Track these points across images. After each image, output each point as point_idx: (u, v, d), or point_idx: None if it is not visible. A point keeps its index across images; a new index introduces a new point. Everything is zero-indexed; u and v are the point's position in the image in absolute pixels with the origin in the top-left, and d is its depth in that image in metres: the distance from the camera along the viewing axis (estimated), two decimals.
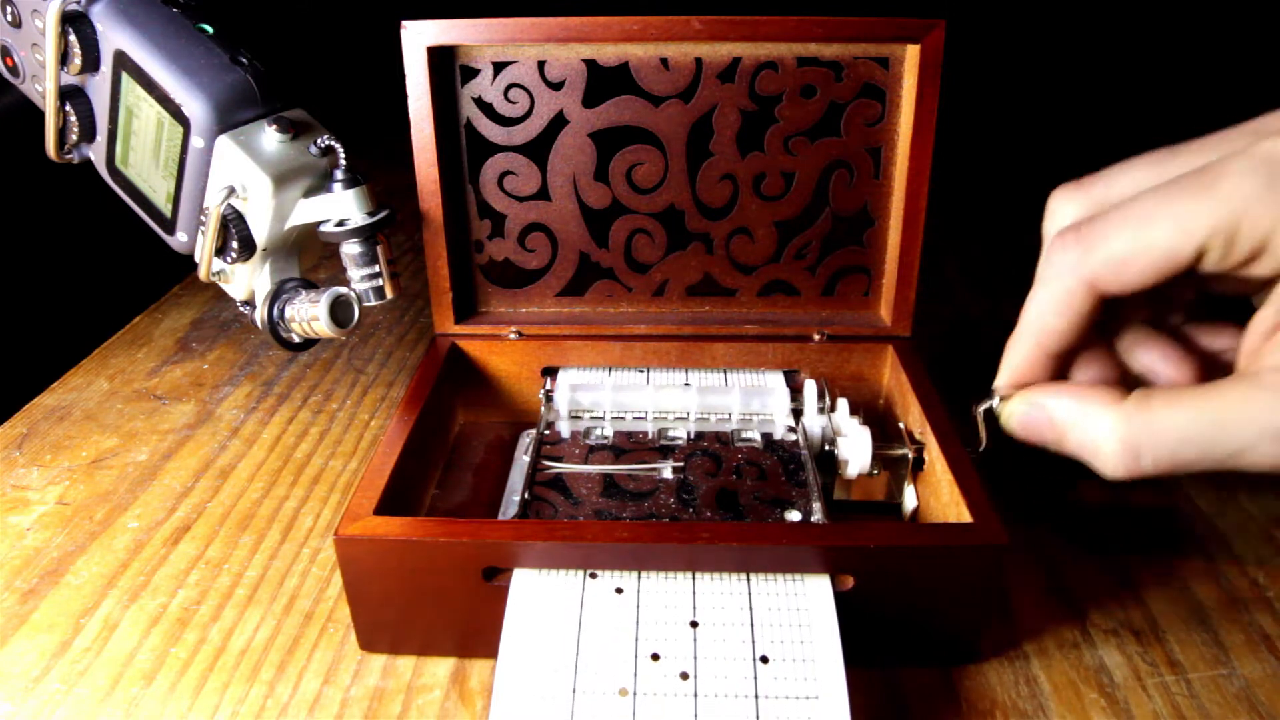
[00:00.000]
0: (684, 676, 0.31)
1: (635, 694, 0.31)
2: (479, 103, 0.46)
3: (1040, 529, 0.44)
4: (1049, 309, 0.35)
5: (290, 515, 0.46)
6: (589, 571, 0.35)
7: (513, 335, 0.49)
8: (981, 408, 0.36)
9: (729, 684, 0.31)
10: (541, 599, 0.34)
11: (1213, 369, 0.37)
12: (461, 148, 0.47)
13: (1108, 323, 0.36)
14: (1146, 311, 0.37)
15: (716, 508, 0.39)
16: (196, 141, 0.36)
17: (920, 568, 0.34)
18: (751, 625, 0.33)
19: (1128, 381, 0.38)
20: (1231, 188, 0.31)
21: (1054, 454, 0.34)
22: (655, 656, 0.32)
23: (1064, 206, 0.36)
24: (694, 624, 0.33)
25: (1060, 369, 0.36)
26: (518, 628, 0.33)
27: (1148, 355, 0.38)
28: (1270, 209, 0.30)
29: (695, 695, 0.31)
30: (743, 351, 0.50)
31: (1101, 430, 0.33)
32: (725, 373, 0.49)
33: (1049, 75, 1.24)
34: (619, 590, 0.34)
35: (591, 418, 0.47)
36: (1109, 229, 0.33)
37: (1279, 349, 0.32)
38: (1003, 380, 0.36)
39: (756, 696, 0.31)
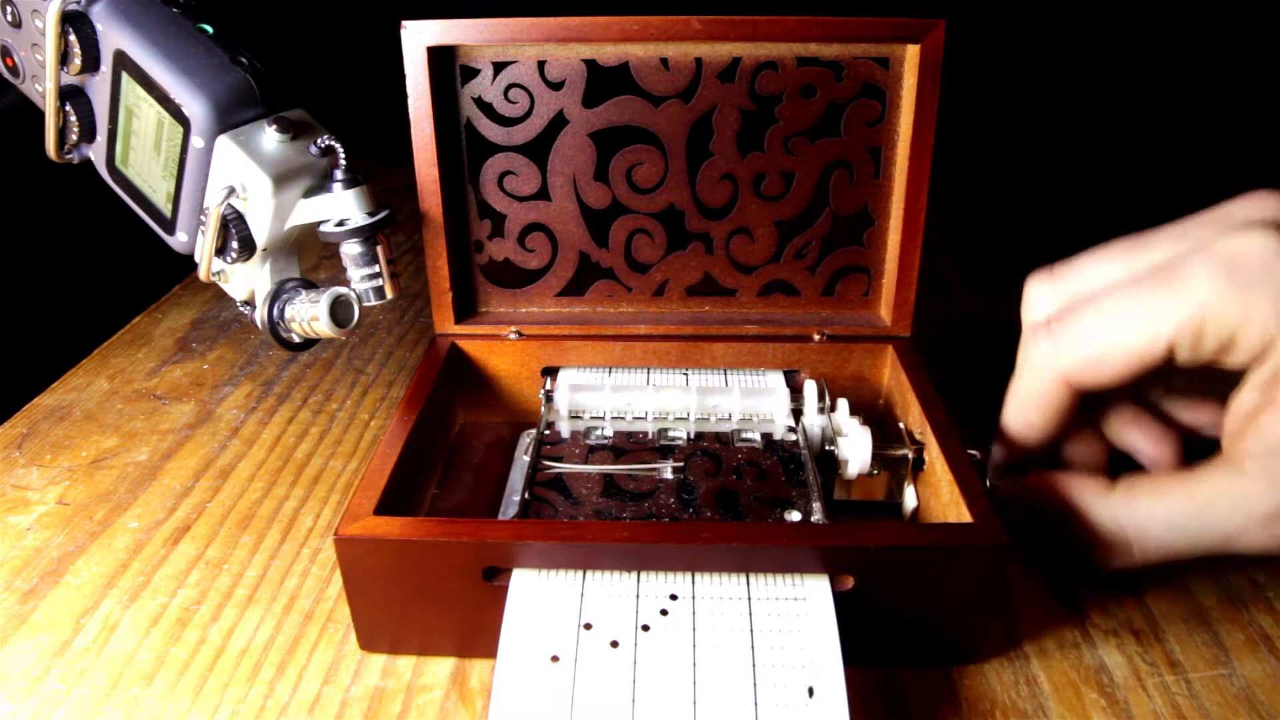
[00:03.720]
0: (684, 677, 0.31)
1: (635, 695, 0.31)
2: (479, 103, 0.46)
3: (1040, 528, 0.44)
4: (1029, 403, 0.36)
5: (290, 515, 0.46)
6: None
7: (513, 335, 0.49)
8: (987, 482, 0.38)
9: (728, 683, 0.31)
10: (541, 599, 0.34)
11: (1193, 444, 0.38)
12: (461, 148, 0.47)
13: (1091, 401, 0.37)
14: (1129, 389, 0.37)
15: (716, 508, 0.39)
16: (196, 141, 0.36)
17: (920, 568, 0.34)
18: (751, 624, 0.33)
19: (1116, 453, 0.40)
20: (1195, 286, 0.31)
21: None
22: (654, 663, 0.32)
23: (1038, 296, 0.37)
24: (694, 625, 0.33)
25: (1050, 448, 0.38)
26: (518, 628, 0.33)
27: (1130, 433, 0.39)
28: (1232, 306, 0.30)
29: (695, 692, 0.31)
30: (743, 351, 0.50)
31: (1091, 522, 0.34)
32: (725, 373, 0.49)
33: (1049, 75, 1.24)
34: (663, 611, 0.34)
35: (591, 418, 0.47)
36: (1078, 328, 0.34)
37: (1259, 435, 0.32)
38: (996, 459, 0.39)
39: (756, 696, 0.31)
